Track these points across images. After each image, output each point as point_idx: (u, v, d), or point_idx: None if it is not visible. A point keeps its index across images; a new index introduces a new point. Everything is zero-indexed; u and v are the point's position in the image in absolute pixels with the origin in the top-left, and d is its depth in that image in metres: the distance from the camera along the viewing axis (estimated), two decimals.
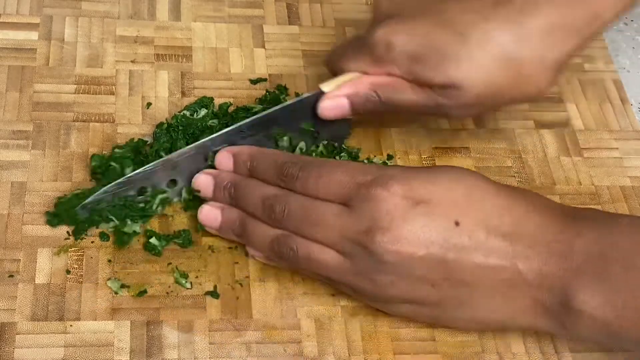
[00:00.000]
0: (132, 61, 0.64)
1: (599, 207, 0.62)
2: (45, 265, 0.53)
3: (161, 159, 0.55)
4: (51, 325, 0.51)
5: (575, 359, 0.54)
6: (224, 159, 0.55)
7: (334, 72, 0.59)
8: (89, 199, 0.54)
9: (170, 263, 0.55)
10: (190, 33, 0.67)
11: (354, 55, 0.57)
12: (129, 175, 0.55)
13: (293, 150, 0.59)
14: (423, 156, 0.63)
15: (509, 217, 0.49)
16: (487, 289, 0.48)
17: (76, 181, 0.57)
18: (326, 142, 0.60)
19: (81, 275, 0.53)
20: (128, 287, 0.53)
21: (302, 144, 0.59)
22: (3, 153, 0.58)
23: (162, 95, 0.63)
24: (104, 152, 0.58)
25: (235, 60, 0.66)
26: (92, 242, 0.55)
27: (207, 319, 0.53)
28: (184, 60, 0.65)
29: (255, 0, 0.70)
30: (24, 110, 0.60)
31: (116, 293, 0.53)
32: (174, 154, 0.56)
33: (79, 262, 0.54)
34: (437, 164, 0.62)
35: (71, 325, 0.51)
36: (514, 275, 0.48)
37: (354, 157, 0.61)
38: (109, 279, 0.53)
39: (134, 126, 0.61)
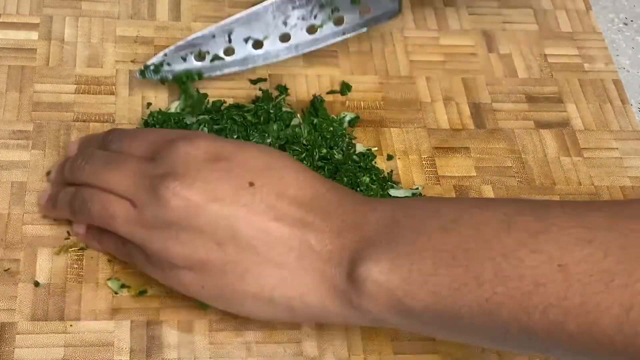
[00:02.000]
0: (132, 61, 0.64)
1: None
2: (45, 265, 0.53)
3: (211, 27, 0.59)
4: (51, 325, 0.51)
5: None
6: (72, 146, 0.56)
7: None
8: (152, 60, 0.59)
9: None
10: (190, 33, 0.67)
11: None
12: (187, 39, 0.58)
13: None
14: (423, 156, 0.63)
15: (307, 192, 0.48)
16: (275, 257, 0.46)
17: None
18: None
19: (81, 275, 0.53)
20: (128, 287, 0.53)
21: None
22: (3, 153, 0.58)
23: (162, 95, 0.63)
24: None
25: None
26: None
27: (207, 319, 0.53)
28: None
29: (256, 0, 0.70)
30: (24, 110, 0.60)
31: (116, 293, 0.53)
32: (228, 20, 0.59)
33: (79, 262, 0.54)
34: (437, 164, 0.62)
35: (71, 325, 0.51)
36: (304, 245, 0.46)
37: (366, 157, 0.61)
38: (109, 279, 0.53)
39: (134, 126, 0.61)
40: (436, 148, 0.63)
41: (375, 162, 0.61)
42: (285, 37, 0.62)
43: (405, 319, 0.45)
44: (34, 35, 0.65)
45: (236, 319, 0.53)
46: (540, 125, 0.66)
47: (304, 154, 0.58)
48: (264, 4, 0.59)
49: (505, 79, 0.68)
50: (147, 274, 0.51)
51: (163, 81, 0.61)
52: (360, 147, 0.61)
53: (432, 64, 0.68)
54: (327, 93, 0.64)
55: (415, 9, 0.72)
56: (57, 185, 0.55)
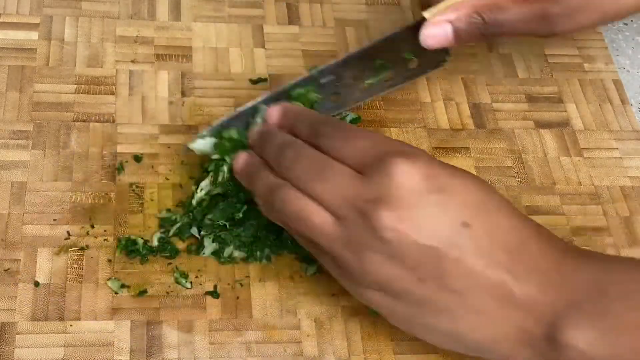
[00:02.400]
0: (132, 61, 0.64)
1: (598, 207, 0.62)
2: (45, 265, 0.53)
3: (276, 91, 0.57)
4: (51, 325, 0.51)
5: None
6: (273, 111, 0.54)
7: (430, 2, 0.58)
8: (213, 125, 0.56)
9: (170, 263, 0.55)
10: (190, 33, 0.67)
11: None
12: (238, 109, 0.56)
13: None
14: None
15: (516, 237, 0.46)
16: (475, 302, 0.45)
17: (76, 181, 0.57)
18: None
19: (81, 275, 0.53)
20: (128, 287, 0.53)
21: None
22: (3, 153, 0.58)
23: (162, 95, 0.63)
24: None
25: (235, 60, 0.66)
26: (94, 238, 0.55)
27: (207, 319, 0.53)
28: (184, 60, 0.65)
29: (255, 0, 0.70)
30: (24, 110, 0.60)
31: (116, 293, 0.53)
32: (280, 88, 0.57)
33: (79, 262, 0.54)
34: None
35: (71, 325, 0.51)
36: (507, 295, 0.45)
37: None
38: (109, 279, 0.53)
39: (134, 126, 0.61)
40: (436, 148, 0.63)
41: None
42: (335, 96, 0.60)
43: None
44: (34, 35, 0.65)
45: (236, 319, 0.53)
46: (540, 125, 0.66)
47: None
48: (320, 68, 0.58)
49: (505, 79, 0.68)
50: (335, 278, 0.50)
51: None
52: None
53: None
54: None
55: (415, 9, 0.72)
56: (254, 156, 0.53)
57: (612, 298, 0.44)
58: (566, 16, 0.54)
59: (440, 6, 0.57)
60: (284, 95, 0.57)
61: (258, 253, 0.55)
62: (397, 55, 0.60)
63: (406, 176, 0.45)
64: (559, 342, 0.43)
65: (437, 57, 0.61)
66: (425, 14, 0.57)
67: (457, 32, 0.56)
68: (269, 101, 0.56)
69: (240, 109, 0.56)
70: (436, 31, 0.56)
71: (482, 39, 0.57)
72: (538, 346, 0.45)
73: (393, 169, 0.45)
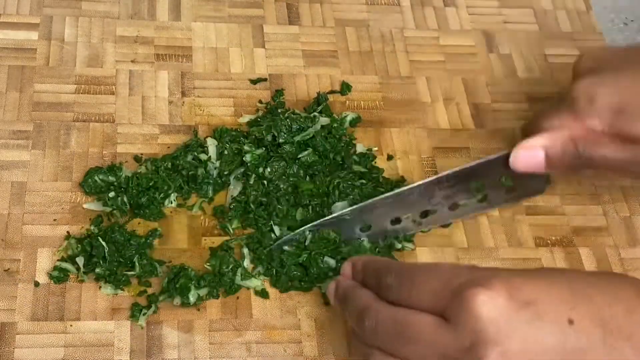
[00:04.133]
0: (132, 61, 0.64)
1: (598, 207, 0.62)
2: (45, 265, 0.53)
3: (355, 206, 0.56)
4: (51, 325, 0.51)
5: None
6: (346, 267, 0.51)
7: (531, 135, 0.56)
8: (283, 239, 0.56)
9: (170, 262, 0.54)
10: (190, 33, 0.67)
11: (554, 113, 0.55)
12: (315, 222, 0.56)
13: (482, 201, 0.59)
14: (423, 156, 0.63)
15: (620, 308, 0.43)
16: None
17: (76, 181, 0.57)
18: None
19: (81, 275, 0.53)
20: (122, 289, 0.53)
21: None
22: (3, 153, 0.58)
23: (162, 95, 0.63)
24: None
25: (235, 60, 0.66)
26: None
27: (207, 319, 0.53)
28: (184, 60, 0.65)
29: (255, 0, 0.70)
30: (24, 110, 0.60)
31: (115, 294, 0.53)
32: (369, 201, 0.56)
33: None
34: (437, 164, 0.62)
35: (71, 325, 0.51)
36: None
37: (367, 157, 0.61)
38: (101, 286, 0.53)
39: (134, 126, 0.61)
40: (436, 148, 0.63)
41: (375, 162, 0.61)
42: (425, 213, 0.58)
43: None
44: (34, 35, 0.65)
45: (236, 319, 0.53)
46: None
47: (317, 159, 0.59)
48: (411, 186, 0.56)
49: (505, 79, 0.68)
50: None
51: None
52: (360, 148, 0.61)
53: (432, 64, 0.68)
54: (327, 93, 0.64)
55: (415, 8, 0.72)
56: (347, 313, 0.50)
57: None
58: None
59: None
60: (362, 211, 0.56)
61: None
62: (493, 180, 0.58)
63: (490, 307, 0.42)
64: None
65: (535, 185, 0.59)
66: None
67: (549, 159, 0.54)
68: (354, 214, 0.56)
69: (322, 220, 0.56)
70: (527, 154, 0.55)
71: (573, 170, 0.55)
72: None
73: (474, 305, 0.42)
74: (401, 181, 0.61)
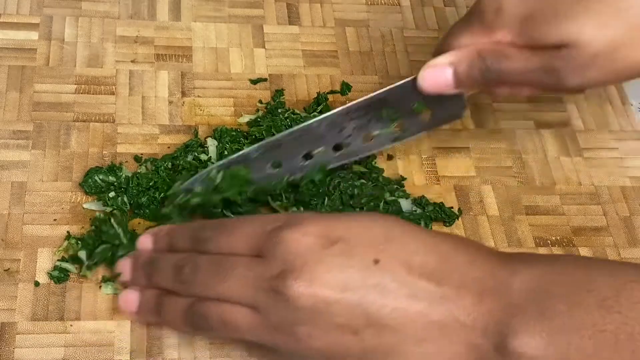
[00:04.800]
0: (132, 61, 0.64)
1: (598, 207, 0.62)
2: (45, 265, 0.53)
3: (260, 143, 0.55)
4: (51, 325, 0.51)
5: None
6: (145, 239, 0.52)
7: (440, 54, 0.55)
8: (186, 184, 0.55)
9: None
10: (190, 33, 0.67)
11: (462, 28, 0.53)
12: (222, 162, 0.55)
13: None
14: (423, 156, 0.63)
15: (435, 255, 0.44)
16: (416, 334, 0.43)
17: (76, 181, 0.57)
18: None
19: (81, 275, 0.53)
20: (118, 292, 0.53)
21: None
22: (3, 153, 0.58)
23: (162, 95, 0.63)
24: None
25: (235, 60, 0.66)
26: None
27: None
28: (184, 60, 0.65)
29: (255, 0, 0.70)
30: (24, 110, 0.60)
31: (115, 294, 0.53)
32: (274, 138, 0.55)
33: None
34: (437, 164, 0.62)
35: (71, 325, 0.51)
36: (444, 317, 0.43)
37: (366, 157, 0.60)
38: (100, 286, 0.53)
39: (134, 126, 0.61)
40: (436, 148, 0.63)
41: (375, 162, 0.61)
42: (338, 146, 0.57)
43: None
44: (34, 35, 0.65)
45: None
46: (540, 125, 0.66)
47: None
48: (318, 118, 0.56)
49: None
50: None
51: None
52: None
53: None
54: (327, 93, 0.64)
55: (415, 8, 0.72)
56: (143, 288, 0.50)
57: (555, 299, 0.42)
58: (574, 71, 0.50)
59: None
60: (269, 146, 0.55)
61: None
62: (406, 106, 0.56)
63: (300, 242, 0.44)
64: (509, 352, 0.42)
65: (451, 109, 0.57)
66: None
67: (457, 76, 0.53)
68: (259, 150, 0.55)
69: (231, 157, 0.55)
70: (434, 73, 0.54)
71: (484, 87, 0.54)
72: (491, 358, 0.43)
73: (284, 240, 0.44)
74: (401, 180, 0.61)
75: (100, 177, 0.56)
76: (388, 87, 0.56)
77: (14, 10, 0.66)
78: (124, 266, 0.52)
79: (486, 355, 0.43)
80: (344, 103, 0.64)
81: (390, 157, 0.62)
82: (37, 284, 0.52)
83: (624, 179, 0.64)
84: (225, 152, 0.58)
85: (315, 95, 0.64)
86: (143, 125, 0.61)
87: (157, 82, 0.63)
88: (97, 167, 0.57)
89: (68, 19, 0.66)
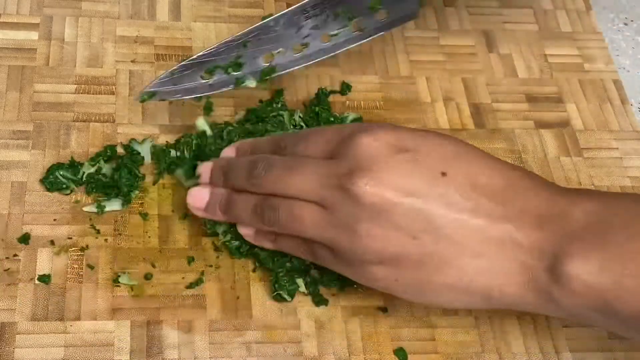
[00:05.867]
0: (132, 61, 0.64)
1: None
2: (45, 265, 0.53)
3: (225, 40, 0.56)
4: (51, 325, 0.51)
5: (575, 358, 0.54)
6: (228, 150, 0.54)
7: None
8: (154, 82, 0.55)
9: (170, 263, 0.55)
10: (190, 33, 0.67)
11: None
12: (192, 57, 0.55)
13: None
14: None
15: (500, 179, 0.46)
16: (472, 247, 0.45)
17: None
18: None
19: (81, 275, 0.53)
20: (135, 283, 0.53)
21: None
22: (3, 153, 0.58)
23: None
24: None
25: None
26: (94, 238, 0.55)
27: (207, 319, 0.53)
28: (184, 60, 0.65)
29: (255, 0, 0.70)
30: (24, 110, 0.60)
31: (132, 289, 0.53)
32: (239, 34, 0.56)
33: (79, 262, 0.54)
34: None
35: (71, 325, 0.51)
36: (502, 235, 0.45)
37: None
38: (117, 276, 0.53)
39: (134, 126, 0.61)
40: None
41: None
42: (298, 48, 0.58)
43: (608, 320, 0.44)
44: (34, 35, 0.65)
45: (236, 319, 0.53)
46: (540, 125, 0.66)
47: None
48: (274, 16, 0.56)
49: (505, 79, 0.68)
50: (335, 271, 0.50)
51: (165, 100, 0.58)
52: None
53: (432, 64, 0.68)
54: (329, 92, 0.64)
55: None
56: (217, 190, 0.53)
57: (613, 228, 0.43)
58: None
59: None
60: (228, 46, 0.56)
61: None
62: (362, 4, 0.57)
63: (371, 146, 0.46)
64: (562, 274, 0.43)
65: (406, 7, 0.58)
66: None
67: None
68: (217, 50, 0.55)
69: (184, 62, 0.56)
70: None
71: None
72: (545, 285, 0.44)
73: (357, 143, 0.46)
74: None
75: (62, 172, 0.56)
76: None
77: (14, 10, 0.66)
78: (205, 167, 0.54)
79: (538, 277, 0.45)
80: (343, 103, 0.64)
81: None
82: (37, 283, 0.52)
83: (624, 179, 0.64)
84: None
85: (315, 93, 0.64)
86: (143, 125, 0.61)
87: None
88: (59, 163, 0.57)
89: (68, 19, 0.66)
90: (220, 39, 0.67)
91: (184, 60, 0.56)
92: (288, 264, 0.53)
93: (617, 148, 0.66)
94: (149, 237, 0.55)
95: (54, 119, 0.60)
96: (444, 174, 0.45)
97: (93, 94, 0.62)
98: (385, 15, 0.58)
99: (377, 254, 0.46)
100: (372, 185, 0.45)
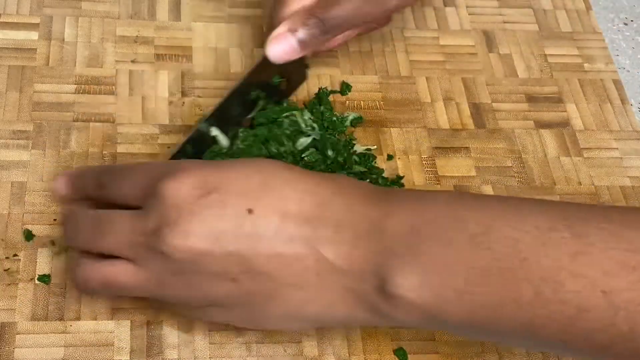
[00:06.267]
0: (132, 61, 0.64)
1: None
2: (45, 265, 0.53)
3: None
4: (51, 325, 0.51)
5: (575, 358, 0.54)
6: (59, 184, 0.53)
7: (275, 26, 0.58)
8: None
9: None
10: (190, 33, 0.67)
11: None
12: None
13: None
14: (423, 156, 0.63)
15: (311, 202, 0.45)
16: (293, 280, 0.44)
17: None
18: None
19: None
20: None
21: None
22: (3, 153, 0.58)
23: (162, 95, 0.63)
24: None
25: (235, 60, 0.66)
26: None
27: None
28: (184, 60, 0.65)
29: (255, 0, 0.70)
30: (24, 110, 0.60)
31: None
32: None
33: None
34: (437, 164, 0.62)
35: (71, 325, 0.51)
36: (320, 263, 0.44)
37: (367, 158, 0.61)
38: None
39: (134, 126, 0.61)
40: (436, 148, 0.63)
41: (375, 162, 0.61)
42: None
43: (438, 327, 0.45)
44: (34, 35, 0.65)
45: None
46: (540, 125, 0.66)
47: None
48: (206, 117, 0.58)
49: (505, 79, 0.68)
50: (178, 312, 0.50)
51: None
52: (359, 148, 0.61)
53: (432, 64, 0.68)
54: (330, 92, 0.64)
55: (415, 9, 0.72)
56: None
57: (426, 239, 0.43)
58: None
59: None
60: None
61: None
62: (268, 83, 0.60)
63: (175, 192, 0.44)
64: (386, 294, 0.43)
65: (298, 73, 0.62)
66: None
67: (300, 40, 0.57)
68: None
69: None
70: (280, 46, 0.57)
71: (329, 40, 0.59)
72: (370, 300, 0.44)
73: (161, 192, 0.45)
74: (399, 178, 0.61)
75: None
76: (247, 71, 0.59)
77: (14, 10, 0.66)
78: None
79: (365, 297, 0.44)
80: (343, 103, 0.64)
81: (390, 157, 0.62)
82: (37, 284, 0.52)
83: (624, 179, 0.64)
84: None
85: (316, 92, 0.64)
86: (143, 125, 0.61)
87: (157, 82, 0.63)
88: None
89: (68, 19, 0.66)
90: (220, 39, 0.67)
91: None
92: None
93: (617, 148, 0.66)
94: None
95: (54, 119, 0.60)
96: (250, 210, 0.44)
97: (93, 94, 0.62)
98: (285, 85, 0.61)
99: (202, 300, 0.46)
100: (180, 240, 0.44)
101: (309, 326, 0.49)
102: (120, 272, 0.46)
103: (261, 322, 0.48)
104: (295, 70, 0.61)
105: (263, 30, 0.62)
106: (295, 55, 0.58)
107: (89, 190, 0.51)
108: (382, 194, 0.46)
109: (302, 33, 0.57)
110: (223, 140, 0.58)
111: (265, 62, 0.58)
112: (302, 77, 0.63)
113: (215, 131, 0.58)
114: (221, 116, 0.58)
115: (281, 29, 0.57)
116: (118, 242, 0.46)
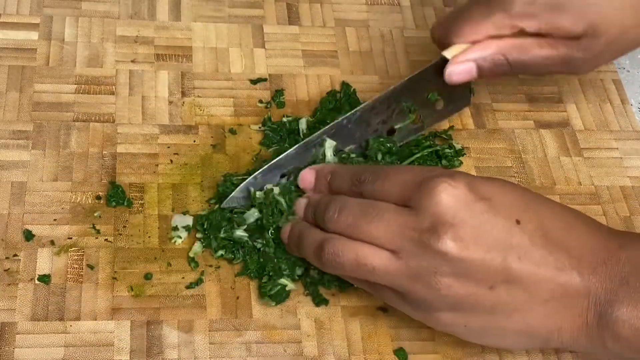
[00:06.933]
0: (132, 61, 0.64)
1: (598, 207, 0.62)
2: (45, 265, 0.53)
3: (297, 145, 0.57)
4: (51, 325, 0.51)
5: (575, 358, 0.54)
6: (307, 175, 0.55)
7: (449, 41, 0.59)
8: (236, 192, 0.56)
9: (170, 263, 0.55)
10: (190, 33, 0.67)
11: (481, 16, 0.57)
12: (272, 162, 0.56)
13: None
14: None
15: (561, 222, 0.48)
16: (543, 295, 0.47)
17: (76, 181, 0.57)
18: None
19: (81, 275, 0.53)
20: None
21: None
22: (3, 153, 0.58)
23: (162, 95, 0.63)
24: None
25: (235, 60, 0.66)
26: (95, 238, 0.55)
27: (207, 319, 0.53)
28: (184, 60, 0.65)
29: (255, 0, 0.70)
30: (24, 110, 0.60)
31: (131, 289, 0.53)
32: (308, 139, 0.57)
33: (79, 262, 0.54)
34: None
35: (71, 325, 0.51)
36: (568, 282, 0.46)
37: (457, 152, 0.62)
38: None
39: (134, 126, 0.61)
40: None
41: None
42: (367, 143, 0.59)
43: None
44: (34, 35, 0.65)
45: (236, 319, 0.53)
46: (540, 125, 0.66)
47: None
48: (347, 115, 0.58)
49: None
50: (402, 311, 0.51)
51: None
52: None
53: None
54: (328, 92, 0.64)
55: (415, 8, 0.72)
56: (300, 222, 0.53)
57: None
58: (590, 60, 0.57)
59: (462, 46, 0.58)
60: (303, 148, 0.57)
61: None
62: (422, 97, 0.60)
63: (451, 195, 0.46)
64: (612, 321, 0.46)
65: (461, 95, 0.62)
66: (446, 54, 0.58)
67: (480, 70, 0.58)
68: (294, 153, 0.57)
69: (265, 167, 0.56)
70: (461, 69, 0.58)
71: (503, 76, 0.59)
72: (596, 330, 0.46)
73: (436, 192, 0.47)
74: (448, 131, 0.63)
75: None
76: (405, 79, 0.59)
77: (14, 10, 0.66)
78: (299, 203, 0.54)
79: (591, 321, 0.47)
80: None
81: None
82: (37, 284, 0.52)
83: (624, 179, 0.64)
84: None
85: (316, 96, 0.64)
86: (143, 125, 0.61)
87: (157, 82, 0.63)
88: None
89: (68, 19, 0.66)
90: (221, 39, 0.67)
91: (263, 165, 0.57)
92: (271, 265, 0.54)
93: (617, 148, 0.66)
94: (149, 237, 0.56)
95: (54, 119, 0.60)
96: (518, 222, 0.47)
97: (93, 94, 0.62)
98: (442, 106, 0.61)
99: (451, 304, 0.48)
100: (455, 243, 0.46)
101: (532, 345, 0.51)
102: (375, 255, 0.48)
103: (492, 337, 0.49)
104: (458, 93, 0.61)
105: (430, 37, 0.61)
106: (467, 79, 0.58)
107: (339, 187, 0.52)
108: (612, 229, 0.50)
109: (486, 67, 0.57)
110: (330, 157, 0.57)
111: (425, 75, 0.59)
112: (466, 102, 0.63)
113: (329, 142, 0.58)
114: (365, 119, 0.58)
115: (467, 56, 0.57)
116: (387, 231, 0.47)
